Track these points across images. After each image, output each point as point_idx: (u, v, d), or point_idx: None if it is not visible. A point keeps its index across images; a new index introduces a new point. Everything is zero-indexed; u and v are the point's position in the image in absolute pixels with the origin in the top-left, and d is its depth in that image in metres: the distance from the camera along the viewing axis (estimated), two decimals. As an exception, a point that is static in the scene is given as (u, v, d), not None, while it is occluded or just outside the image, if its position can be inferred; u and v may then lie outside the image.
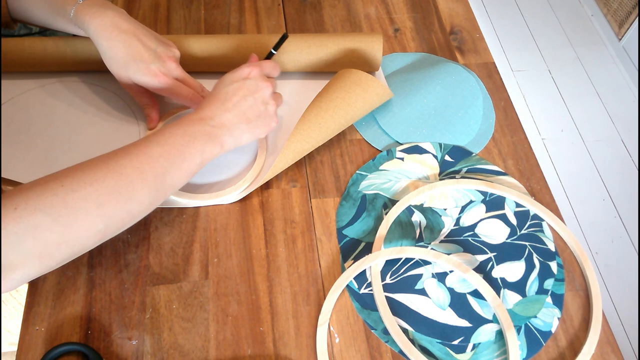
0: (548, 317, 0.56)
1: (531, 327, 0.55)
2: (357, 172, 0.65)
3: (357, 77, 0.64)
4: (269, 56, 0.66)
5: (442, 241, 0.60)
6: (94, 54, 0.65)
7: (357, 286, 0.57)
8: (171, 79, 0.61)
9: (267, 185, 0.63)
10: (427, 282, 0.57)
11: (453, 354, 0.53)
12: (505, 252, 0.60)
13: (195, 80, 0.63)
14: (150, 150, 0.49)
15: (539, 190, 0.65)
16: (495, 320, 0.55)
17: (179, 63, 0.62)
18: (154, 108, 0.65)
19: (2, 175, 0.57)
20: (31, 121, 0.66)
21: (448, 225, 0.61)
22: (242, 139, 0.56)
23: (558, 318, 0.56)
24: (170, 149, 0.50)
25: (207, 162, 0.54)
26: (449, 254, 0.58)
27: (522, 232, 0.61)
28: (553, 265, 0.59)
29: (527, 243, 0.60)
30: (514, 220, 0.62)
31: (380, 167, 0.65)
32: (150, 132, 0.61)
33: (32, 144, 0.64)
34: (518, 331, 0.55)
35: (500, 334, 0.55)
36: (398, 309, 0.55)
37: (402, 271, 0.58)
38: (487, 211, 0.62)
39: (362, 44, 0.69)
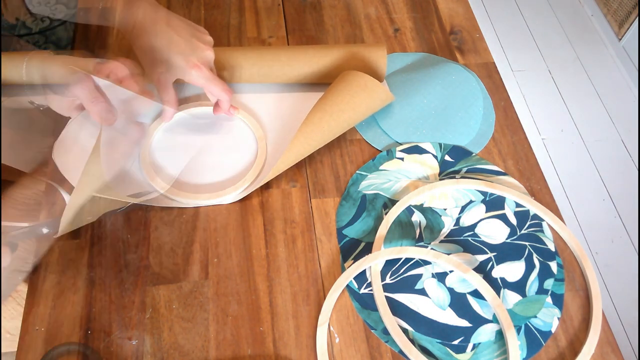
0: (548, 317, 0.56)
1: (531, 327, 0.55)
2: (357, 172, 0.65)
3: (363, 82, 0.64)
4: None
5: (442, 241, 0.60)
6: None
7: (357, 286, 0.57)
8: (209, 69, 0.59)
9: (267, 185, 0.63)
10: (427, 282, 0.57)
11: (453, 354, 0.53)
12: (505, 252, 0.59)
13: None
14: None
15: (539, 190, 0.65)
16: (495, 320, 0.55)
17: (212, 49, 0.61)
18: (174, 105, 0.64)
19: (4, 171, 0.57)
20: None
21: (448, 225, 0.61)
22: None
23: (558, 318, 0.56)
24: None
25: None
26: (449, 254, 0.58)
27: (522, 232, 0.61)
28: (553, 265, 0.59)
29: (527, 243, 0.60)
30: (514, 220, 0.62)
31: (380, 167, 0.65)
32: None
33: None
34: (518, 331, 0.55)
35: (500, 334, 0.55)
36: (398, 309, 0.55)
37: (402, 271, 0.58)
38: (487, 211, 0.62)
39: (366, 57, 0.68)
